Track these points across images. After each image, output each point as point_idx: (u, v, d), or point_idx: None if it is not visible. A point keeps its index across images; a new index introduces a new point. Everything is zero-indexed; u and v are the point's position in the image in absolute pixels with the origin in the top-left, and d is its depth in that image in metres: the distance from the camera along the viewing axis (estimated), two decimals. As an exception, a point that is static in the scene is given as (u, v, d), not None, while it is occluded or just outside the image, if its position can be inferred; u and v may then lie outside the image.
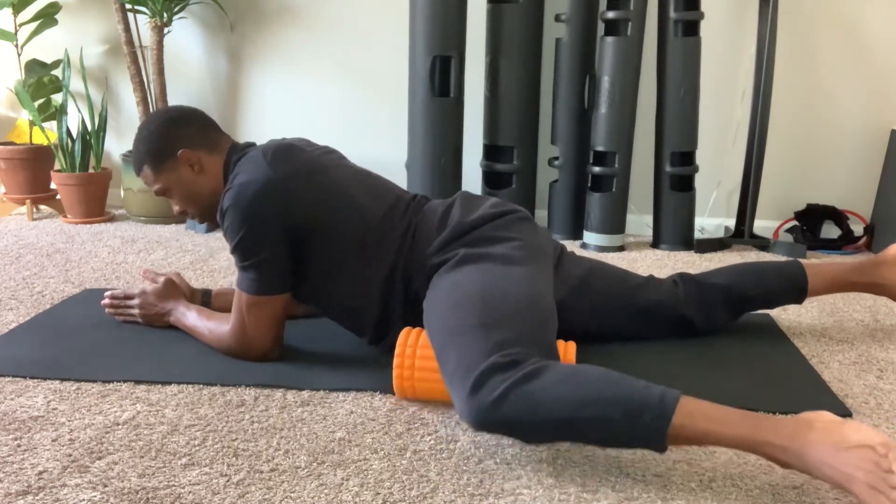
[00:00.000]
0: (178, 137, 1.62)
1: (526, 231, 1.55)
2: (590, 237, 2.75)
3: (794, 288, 1.79)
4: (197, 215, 1.68)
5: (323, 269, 1.57)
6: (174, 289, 1.80)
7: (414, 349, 1.44)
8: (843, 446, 1.05)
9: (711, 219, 2.99)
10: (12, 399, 1.45)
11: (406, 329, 1.49)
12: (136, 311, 1.81)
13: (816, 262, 1.82)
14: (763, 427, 1.10)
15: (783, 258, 2.65)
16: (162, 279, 1.80)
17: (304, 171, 1.55)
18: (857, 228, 2.85)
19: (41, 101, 3.07)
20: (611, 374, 1.18)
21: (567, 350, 1.44)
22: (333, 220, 1.54)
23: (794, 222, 2.89)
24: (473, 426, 1.19)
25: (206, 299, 1.87)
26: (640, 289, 1.74)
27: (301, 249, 1.56)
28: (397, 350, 1.44)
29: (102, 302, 1.85)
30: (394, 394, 1.49)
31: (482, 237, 1.51)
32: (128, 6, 2.95)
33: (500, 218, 1.55)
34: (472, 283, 1.39)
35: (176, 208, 1.69)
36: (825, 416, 1.10)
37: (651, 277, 1.78)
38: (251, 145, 1.66)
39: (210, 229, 2.88)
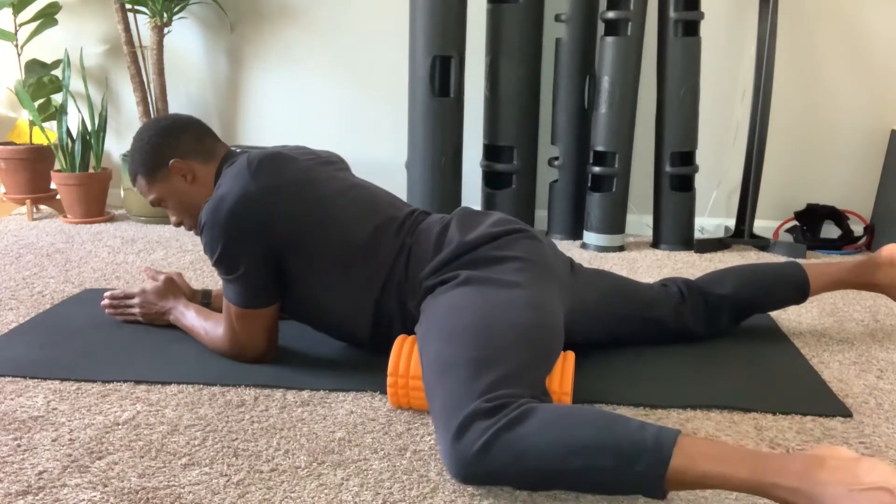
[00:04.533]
0: (171, 147, 1.60)
1: (530, 250, 1.46)
2: (590, 237, 2.75)
3: (796, 290, 1.79)
4: (192, 226, 1.67)
5: (307, 287, 1.53)
6: (174, 287, 1.80)
7: (408, 365, 1.39)
8: (857, 487, 0.96)
9: (711, 219, 2.99)
10: (12, 399, 1.45)
11: (400, 337, 1.45)
12: (136, 310, 1.81)
13: (815, 263, 1.83)
14: (771, 467, 1.02)
15: (783, 258, 2.65)
16: (162, 277, 1.81)
17: (287, 183, 1.49)
18: (857, 228, 2.85)
19: (41, 101, 3.07)
20: (602, 415, 1.11)
21: (566, 359, 1.41)
22: (315, 237, 1.49)
23: (794, 222, 2.89)
24: (457, 479, 1.12)
25: (206, 300, 1.87)
26: (650, 306, 1.71)
27: (284, 265, 1.51)
28: (390, 368, 1.39)
29: (102, 303, 1.85)
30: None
31: (483, 258, 1.43)
32: (128, 6, 2.95)
33: (501, 238, 1.47)
34: (468, 310, 1.31)
35: (172, 218, 1.67)
36: (839, 453, 1.01)
37: (659, 289, 1.75)
38: (245, 153, 1.62)
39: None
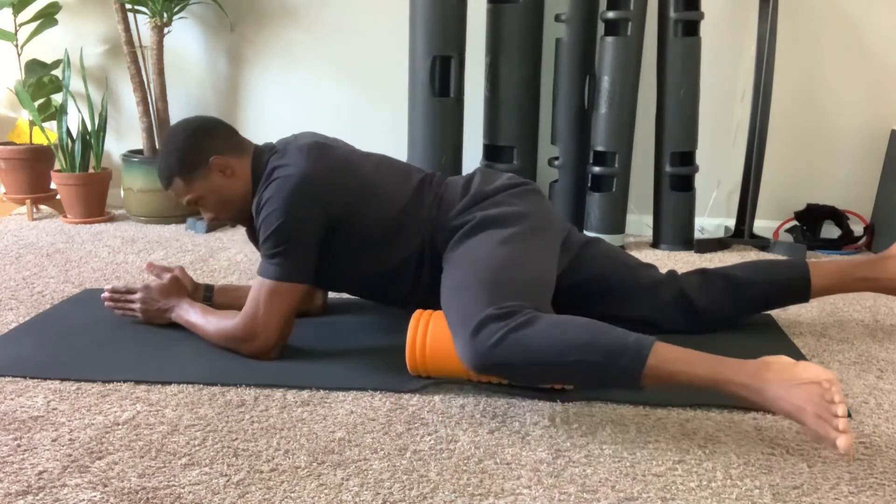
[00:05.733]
0: (207, 146, 1.67)
1: (536, 202, 1.68)
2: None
3: (798, 279, 1.80)
4: (230, 219, 1.74)
5: (359, 252, 1.67)
6: (179, 286, 1.81)
7: (425, 329, 1.52)
8: (794, 383, 1.20)
9: (711, 219, 2.99)
10: (12, 399, 1.45)
11: (418, 311, 1.58)
12: (137, 306, 1.81)
13: (820, 260, 1.82)
14: (727, 367, 1.26)
15: (783, 258, 2.65)
16: (167, 276, 1.81)
17: (337, 164, 1.64)
18: (857, 228, 2.85)
19: (41, 101, 3.07)
20: (594, 323, 1.34)
21: None
22: (370, 208, 1.64)
23: (794, 222, 2.89)
24: (473, 368, 1.36)
25: (208, 294, 1.88)
26: (644, 267, 1.82)
27: (338, 237, 1.64)
28: (409, 333, 1.52)
29: (103, 295, 1.85)
30: (393, 393, 1.49)
31: (497, 202, 1.64)
32: (128, 6, 2.95)
33: (515, 188, 1.68)
34: (482, 246, 1.54)
35: (208, 215, 1.73)
36: (783, 359, 1.24)
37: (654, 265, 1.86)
38: (272, 146, 1.72)
39: (210, 229, 2.88)
